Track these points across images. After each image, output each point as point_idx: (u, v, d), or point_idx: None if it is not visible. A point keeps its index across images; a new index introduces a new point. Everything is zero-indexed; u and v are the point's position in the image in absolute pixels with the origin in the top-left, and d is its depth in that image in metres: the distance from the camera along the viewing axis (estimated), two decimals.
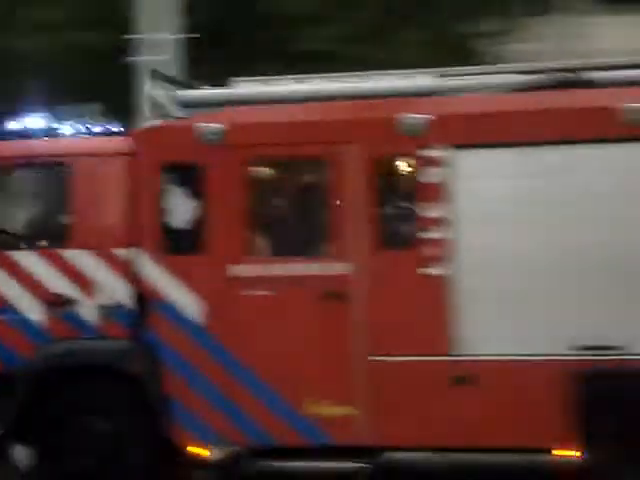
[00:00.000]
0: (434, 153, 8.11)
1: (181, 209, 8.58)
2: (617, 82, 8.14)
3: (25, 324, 8.77)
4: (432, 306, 8.05)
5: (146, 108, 8.86)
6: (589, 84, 8.14)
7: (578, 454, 7.84)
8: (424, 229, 8.11)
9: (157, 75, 9.11)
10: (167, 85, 9.09)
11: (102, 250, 8.71)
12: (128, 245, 8.64)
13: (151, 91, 8.82)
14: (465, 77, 8.46)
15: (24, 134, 9.27)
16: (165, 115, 8.81)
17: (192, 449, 8.51)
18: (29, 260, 8.81)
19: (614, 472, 7.78)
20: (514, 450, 8.04)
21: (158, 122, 8.72)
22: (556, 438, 7.83)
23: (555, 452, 7.94)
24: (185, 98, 8.93)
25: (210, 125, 8.49)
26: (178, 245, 8.52)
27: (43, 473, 8.74)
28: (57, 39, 14.96)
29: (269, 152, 8.44)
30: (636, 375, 7.70)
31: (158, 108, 8.79)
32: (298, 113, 8.49)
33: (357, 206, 8.24)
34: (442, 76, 8.57)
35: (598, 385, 7.74)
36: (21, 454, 8.97)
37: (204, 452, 8.52)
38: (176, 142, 8.54)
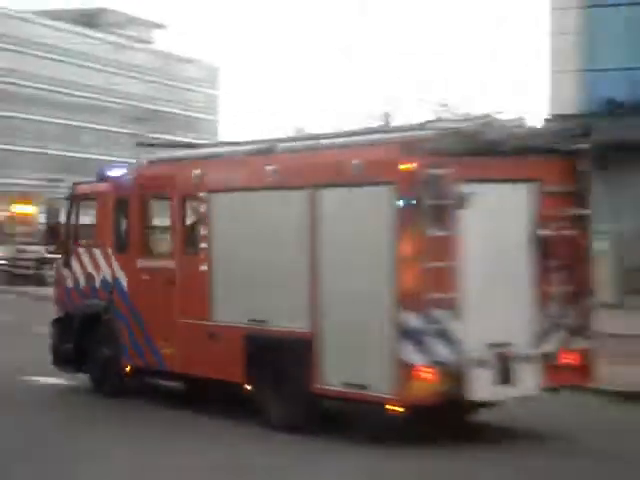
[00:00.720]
0: (203, 195, 13.14)
1: (122, 226, 14.68)
2: (297, 150, 12.30)
3: (79, 289, 15.57)
4: (203, 290, 13.13)
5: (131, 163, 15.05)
6: (275, 151, 12.46)
7: (250, 387, 12.39)
8: (201, 242, 13.19)
9: (142, 143, 15.25)
10: (153, 148, 15.19)
11: (103, 249, 15.15)
12: (111, 246, 14.97)
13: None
14: (225, 146, 13.27)
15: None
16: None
17: (127, 367, 14.59)
18: (82, 253, 15.57)
19: (267, 399, 12.17)
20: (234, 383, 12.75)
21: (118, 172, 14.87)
22: (241, 376, 12.45)
23: (244, 386, 12.53)
24: (149, 158, 14.91)
25: (130, 176, 14.46)
26: (119, 247, 14.64)
27: (90, 379, 15.47)
28: None
29: (149, 192, 14.16)
30: (274, 338, 12.03)
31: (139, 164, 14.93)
32: (160, 169, 14.07)
33: (177, 226, 13.60)
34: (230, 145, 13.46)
35: (258, 344, 12.21)
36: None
37: (129, 369, 14.55)
38: (120, 185, 14.64)
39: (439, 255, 10.63)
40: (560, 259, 11.46)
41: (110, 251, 14.83)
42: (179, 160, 14.16)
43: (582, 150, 11.57)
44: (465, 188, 10.71)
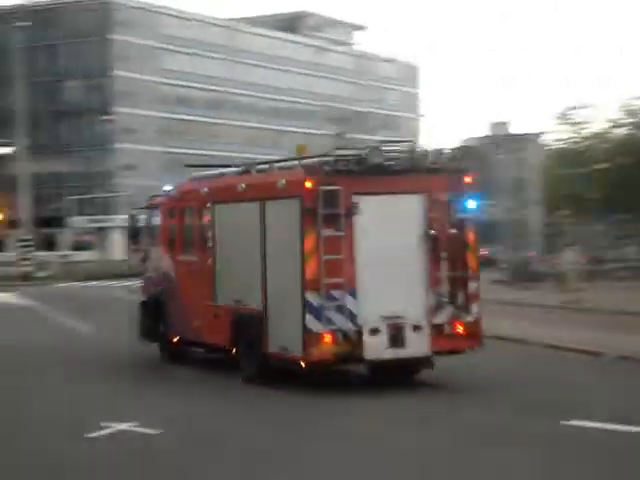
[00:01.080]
0: (209, 205, 17.21)
1: (171, 229, 18.99)
2: (259, 171, 16.17)
3: (152, 279, 20.03)
4: (211, 279, 17.19)
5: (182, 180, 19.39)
6: (249, 172, 16.37)
7: (234, 351, 16.33)
8: (209, 241, 17.27)
9: (190, 164, 19.58)
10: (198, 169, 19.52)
11: (162, 247, 19.55)
12: (165, 245, 19.36)
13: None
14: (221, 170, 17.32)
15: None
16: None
17: (174, 338, 18.88)
18: (153, 251, 20.04)
19: (242, 360, 16.06)
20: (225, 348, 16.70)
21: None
22: (230, 343, 16.40)
23: (232, 350, 16.47)
24: (193, 176, 19.18)
25: (173, 190, 18.77)
26: (169, 246, 18.97)
27: (158, 348, 19.89)
28: None
29: (183, 204, 18.39)
30: (244, 314, 15.90)
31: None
32: (192, 185, 18.27)
33: (197, 229, 17.75)
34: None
35: (237, 318, 16.14)
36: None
37: (175, 340, 18.82)
38: (170, 198, 18.98)
39: (334, 250, 14.21)
40: (448, 252, 14.74)
41: (165, 249, 19.19)
42: (203, 178, 18.30)
43: (463, 168, 14.82)
44: (356, 200, 14.24)
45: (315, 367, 14.49)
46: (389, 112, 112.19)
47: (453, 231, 14.78)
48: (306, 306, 14.28)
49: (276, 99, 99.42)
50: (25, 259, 52.33)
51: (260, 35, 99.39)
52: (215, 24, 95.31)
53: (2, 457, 11.43)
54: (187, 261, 18.25)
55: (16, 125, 57.30)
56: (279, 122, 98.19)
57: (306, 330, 14.29)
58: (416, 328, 14.55)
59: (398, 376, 15.33)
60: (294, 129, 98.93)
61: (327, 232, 14.23)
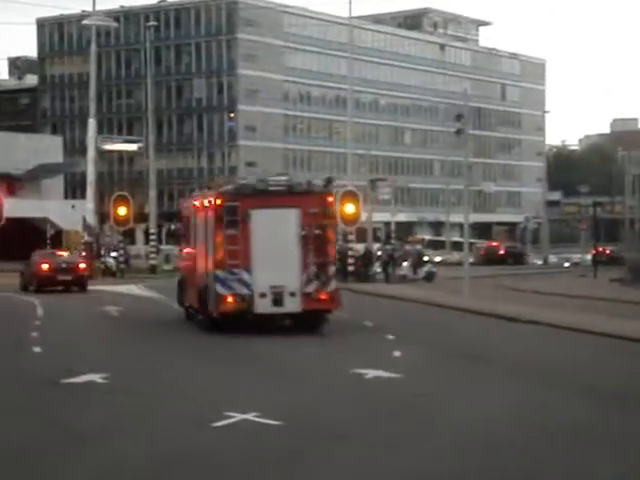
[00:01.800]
0: (194, 213, 25.54)
1: (181, 231, 27.47)
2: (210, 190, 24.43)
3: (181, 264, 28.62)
4: (194, 263, 25.55)
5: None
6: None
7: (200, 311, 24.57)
8: (196, 237, 25.60)
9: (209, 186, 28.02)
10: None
11: (184, 241, 28.08)
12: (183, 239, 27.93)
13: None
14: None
15: None
16: None
17: (186, 304, 27.26)
18: (183, 244, 28.61)
19: (203, 316, 24.28)
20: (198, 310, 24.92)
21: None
22: (199, 306, 24.63)
23: (200, 311, 24.69)
24: (198, 192, 27.65)
25: (185, 201, 27.34)
26: (185, 240, 27.59)
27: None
28: None
29: (188, 212, 26.86)
30: (201, 285, 24.12)
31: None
32: (194, 198, 26.71)
33: (191, 230, 26.19)
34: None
35: (201, 288, 24.35)
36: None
37: (187, 305, 27.18)
38: (183, 206, 27.50)
39: (234, 243, 22.34)
40: (314, 246, 22.56)
41: (184, 242, 27.70)
42: (199, 194, 26.69)
43: (327, 190, 22.63)
44: (249, 212, 22.24)
45: (223, 317, 22.66)
46: (511, 109, 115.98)
47: (318, 232, 22.58)
48: (216, 278, 22.46)
49: (398, 96, 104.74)
50: (153, 252, 54.62)
51: (382, 32, 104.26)
52: (338, 22, 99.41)
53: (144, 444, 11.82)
54: (188, 251, 26.72)
55: (144, 122, 65.19)
56: (400, 119, 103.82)
57: (216, 294, 22.48)
58: (292, 294, 22.48)
59: (308, 327, 23.15)
60: (415, 126, 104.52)
61: (229, 231, 22.42)
